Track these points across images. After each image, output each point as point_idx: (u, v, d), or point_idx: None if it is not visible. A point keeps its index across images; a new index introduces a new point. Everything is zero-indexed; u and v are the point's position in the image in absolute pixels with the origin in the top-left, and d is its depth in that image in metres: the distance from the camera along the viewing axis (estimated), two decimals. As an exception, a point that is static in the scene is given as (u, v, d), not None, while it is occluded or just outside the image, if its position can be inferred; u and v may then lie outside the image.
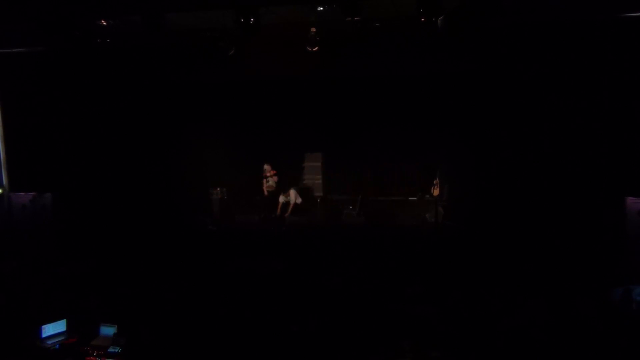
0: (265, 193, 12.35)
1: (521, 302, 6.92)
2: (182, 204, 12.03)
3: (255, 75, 11.57)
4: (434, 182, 11.56)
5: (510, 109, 10.31)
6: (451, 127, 11.43)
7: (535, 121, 10.07)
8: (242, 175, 12.92)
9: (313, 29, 9.67)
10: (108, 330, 6.24)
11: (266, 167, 12.47)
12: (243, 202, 12.70)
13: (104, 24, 9.30)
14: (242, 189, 12.91)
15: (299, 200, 12.20)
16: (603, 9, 8.95)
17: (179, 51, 11.06)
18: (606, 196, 9.36)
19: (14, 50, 11.34)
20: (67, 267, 9.03)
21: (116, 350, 5.87)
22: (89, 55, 11.07)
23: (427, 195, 11.77)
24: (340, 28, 9.39)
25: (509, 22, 9.32)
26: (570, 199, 9.65)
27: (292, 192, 12.19)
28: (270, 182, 12.33)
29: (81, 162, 11.89)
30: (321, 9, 8.76)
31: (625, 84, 9.42)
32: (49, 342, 6.22)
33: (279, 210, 12.15)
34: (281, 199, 12.24)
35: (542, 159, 10.00)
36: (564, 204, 9.67)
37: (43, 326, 6.28)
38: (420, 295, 7.39)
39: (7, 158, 12.08)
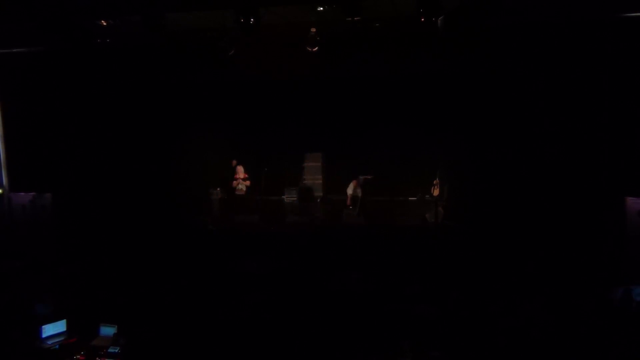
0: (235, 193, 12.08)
1: (521, 302, 6.92)
2: (182, 204, 12.03)
3: (255, 75, 11.57)
4: (434, 182, 11.57)
5: (510, 108, 10.31)
6: (451, 127, 11.43)
7: (536, 121, 10.07)
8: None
9: (313, 29, 9.67)
10: (108, 330, 6.24)
11: (239, 168, 12.17)
12: (243, 202, 12.69)
13: (104, 24, 9.29)
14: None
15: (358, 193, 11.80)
16: (603, 9, 8.95)
17: (179, 51, 11.06)
18: (606, 196, 9.36)
19: (14, 50, 11.35)
20: (67, 267, 9.02)
21: (116, 350, 5.87)
22: (89, 55, 11.07)
23: (427, 195, 11.77)
24: (340, 28, 9.39)
25: (509, 22, 9.32)
26: (571, 199, 9.65)
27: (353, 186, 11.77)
28: (241, 185, 12.11)
29: (81, 162, 11.89)
30: (321, 9, 8.75)
31: (625, 84, 9.42)
32: (49, 342, 6.22)
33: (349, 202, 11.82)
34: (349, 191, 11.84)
35: (542, 159, 9.99)
36: (564, 203, 9.66)
37: (43, 326, 6.28)
38: (420, 295, 7.39)
39: (7, 158, 12.09)
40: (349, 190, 11.84)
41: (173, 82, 12.01)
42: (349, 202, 11.81)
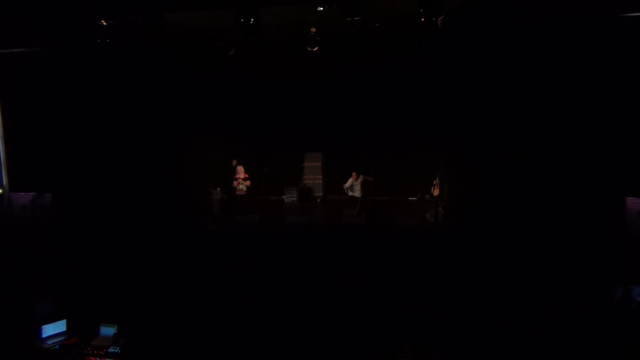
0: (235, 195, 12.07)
1: (521, 302, 6.92)
2: (182, 204, 12.03)
3: (255, 75, 11.57)
4: (434, 182, 11.57)
5: (510, 108, 10.31)
6: (451, 127, 11.43)
7: (535, 121, 10.07)
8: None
9: (313, 29, 9.67)
10: (108, 330, 6.24)
11: (239, 168, 12.12)
12: (243, 202, 12.69)
13: (104, 24, 9.29)
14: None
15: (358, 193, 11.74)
16: (603, 9, 8.95)
17: (179, 51, 11.06)
18: (606, 196, 9.36)
19: (14, 50, 11.35)
20: (67, 267, 9.02)
21: (116, 350, 5.87)
22: (89, 55, 11.07)
23: (427, 195, 11.77)
24: (340, 28, 9.39)
25: (509, 22, 9.32)
26: (571, 199, 9.64)
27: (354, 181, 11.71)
28: (241, 185, 12.11)
29: (81, 163, 11.89)
30: (321, 9, 8.76)
31: (625, 84, 9.41)
32: (49, 342, 6.22)
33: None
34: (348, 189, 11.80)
35: (542, 159, 9.99)
36: (564, 203, 9.66)
37: (43, 326, 6.28)
38: (420, 295, 7.39)
39: (7, 158, 12.09)
40: (347, 184, 11.84)
41: (173, 82, 12.00)
42: (346, 191, 11.81)
